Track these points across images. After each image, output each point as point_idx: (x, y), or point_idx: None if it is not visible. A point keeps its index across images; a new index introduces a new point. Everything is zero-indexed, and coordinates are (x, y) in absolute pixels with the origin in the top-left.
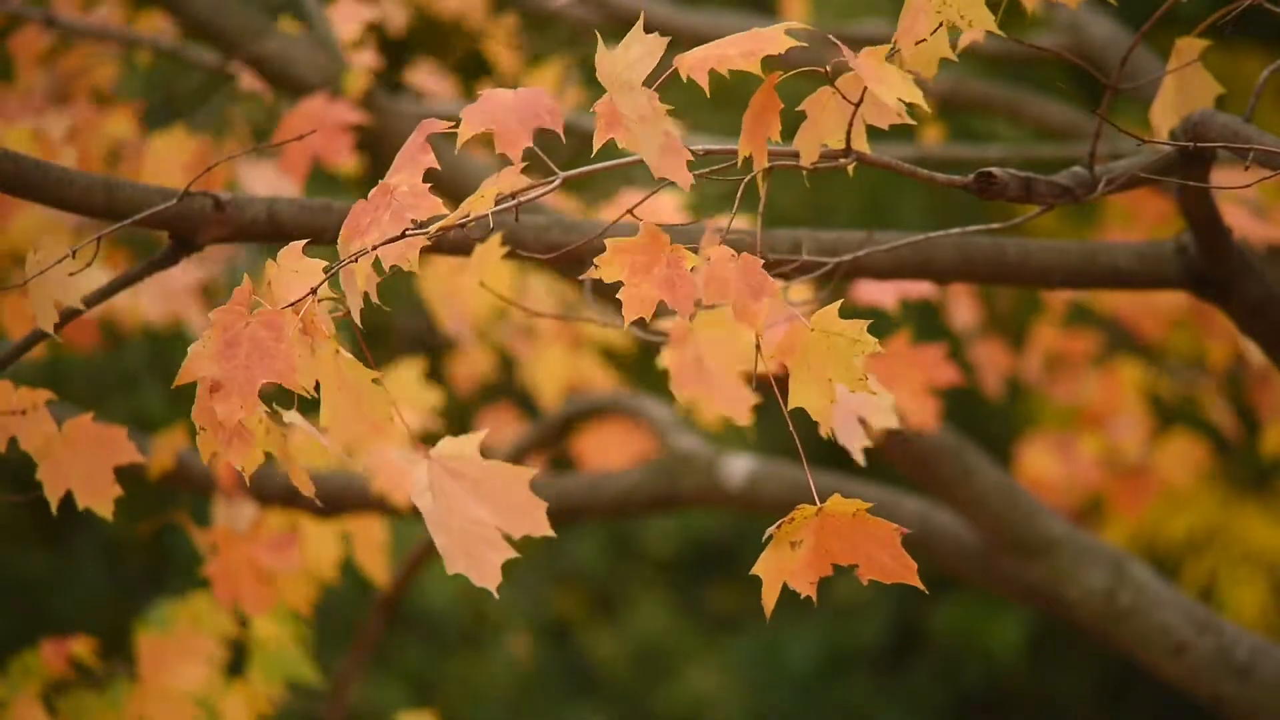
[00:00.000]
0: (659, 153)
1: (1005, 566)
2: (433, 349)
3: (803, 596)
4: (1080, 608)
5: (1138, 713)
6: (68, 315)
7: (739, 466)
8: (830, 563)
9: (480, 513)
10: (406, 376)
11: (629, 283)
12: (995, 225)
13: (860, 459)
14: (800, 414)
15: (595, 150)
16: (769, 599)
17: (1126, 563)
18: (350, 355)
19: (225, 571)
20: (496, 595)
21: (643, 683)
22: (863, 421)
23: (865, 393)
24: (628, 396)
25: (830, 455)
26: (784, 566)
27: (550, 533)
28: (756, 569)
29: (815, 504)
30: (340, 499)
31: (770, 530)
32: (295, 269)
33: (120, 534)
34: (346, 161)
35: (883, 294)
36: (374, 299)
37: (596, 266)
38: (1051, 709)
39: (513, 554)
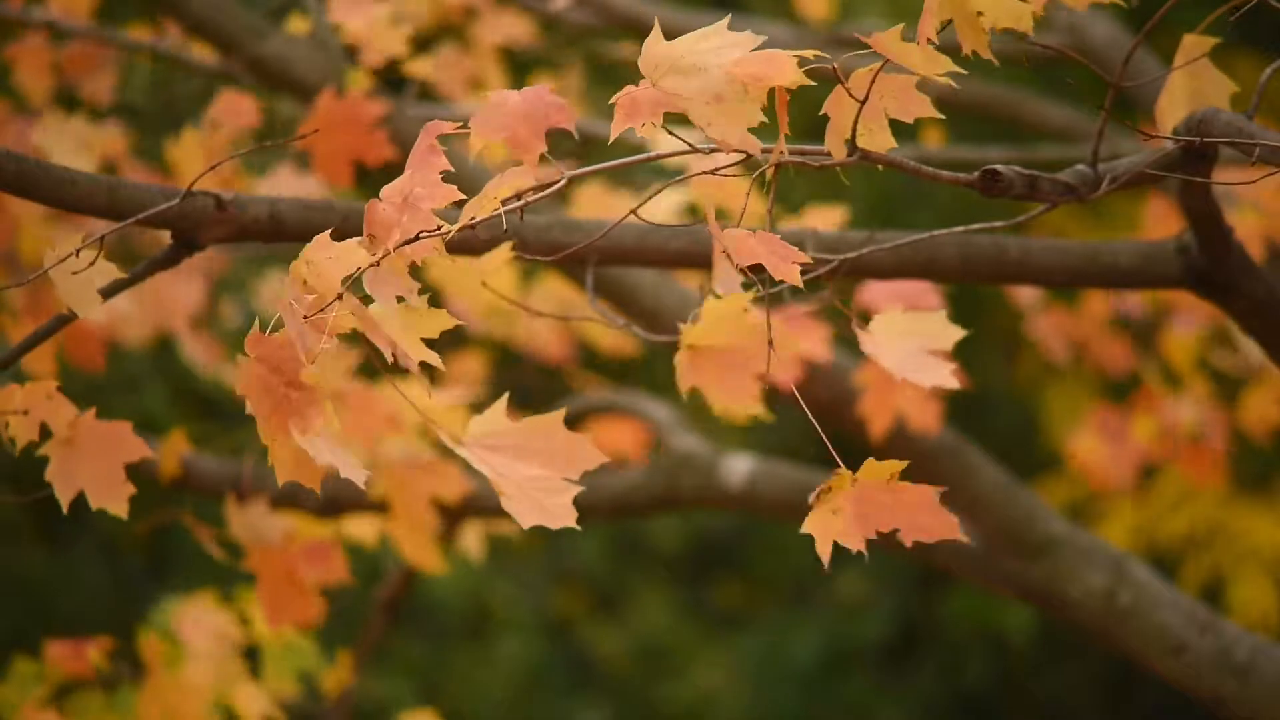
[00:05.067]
0: (739, 130)
1: (1005, 566)
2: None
3: (854, 551)
4: (1080, 607)
5: (1139, 712)
6: (112, 288)
7: (739, 467)
8: (874, 528)
9: (533, 472)
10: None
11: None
12: (997, 224)
13: (951, 382)
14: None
15: (611, 140)
16: (824, 551)
17: (1127, 562)
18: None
19: (268, 586)
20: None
21: (646, 679)
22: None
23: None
24: (627, 397)
25: (829, 456)
26: (831, 529)
27: (605, 459)
28: (805, 528)
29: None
30: (336, 499)
31: (810, 499)
32: (329, 256)
33: (120, 534)
34: (384, 157)
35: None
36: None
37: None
38: (1053, 708)
39: (579, 488)
